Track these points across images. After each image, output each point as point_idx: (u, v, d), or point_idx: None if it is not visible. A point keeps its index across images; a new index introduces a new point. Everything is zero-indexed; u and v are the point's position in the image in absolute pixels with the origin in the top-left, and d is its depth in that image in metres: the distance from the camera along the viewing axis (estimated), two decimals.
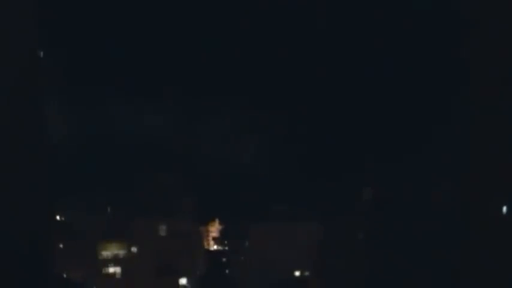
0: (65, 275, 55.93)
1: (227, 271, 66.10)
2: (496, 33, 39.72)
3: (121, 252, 61.42)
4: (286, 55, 58.02)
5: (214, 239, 69.89)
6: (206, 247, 67.59)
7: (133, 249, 61.65)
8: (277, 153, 60.53)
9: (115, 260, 61.32)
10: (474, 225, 42.77)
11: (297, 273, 63.34)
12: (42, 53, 41.48)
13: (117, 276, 61.44)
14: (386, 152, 54.47)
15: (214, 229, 70.22)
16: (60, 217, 60.04)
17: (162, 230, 62.05)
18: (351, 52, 56.99)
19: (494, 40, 39.96)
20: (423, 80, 53.11)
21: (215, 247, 68.52)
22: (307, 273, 62.66)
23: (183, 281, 62.39)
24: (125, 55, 57.51)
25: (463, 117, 44.11)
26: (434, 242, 49.54)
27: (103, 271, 61.13)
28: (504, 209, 41.07)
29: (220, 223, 72.37)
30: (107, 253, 61.26)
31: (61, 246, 58.16)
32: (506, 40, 39.36)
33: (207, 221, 67.29)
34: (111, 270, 61.42)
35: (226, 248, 68.30)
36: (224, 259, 67.43)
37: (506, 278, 40.55)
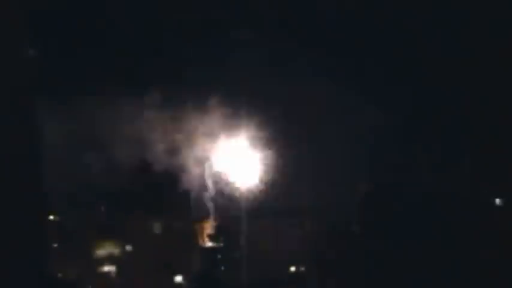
0: (59, 275, 55.64)
1: (222, 268, 65.87)
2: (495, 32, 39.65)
3: (116, 251, 61.14)
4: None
5: (209, 236, 69.63)
6: (201, 244, 67.29)
7: (128, 247, 61.37)
8: (273, 147, 60.27)
9: (110, 259, 61.04)
10: (470, 218, 42.60)
11: (293, 269, 63.17)
12: (33, 52, 41.14)
13: (112, 274, 61.15)
14: (384, 146, 54.29)
15: (209, 226, 69.95)
16: (53, 216, 59.69)
17: (157, 228, 61.77)
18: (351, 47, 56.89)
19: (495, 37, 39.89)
20: (423, 76, 52.98)
21: (210, 244, 68.26)
22: (303, 269, 62.50)
23: (178, 278, 62.16)
24: (116, 51, 57.10)
25: (459, 113, 44.01)
26: (430, 235, 49.39)
27: (98, 270, 60.83)
28: (497, 201, 41.01)
29: (214, 220, 72.19)
30: (101, 252, 60.97)
31: (55, 246, 57.85)
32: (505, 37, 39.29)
33: (202, 218, 66.93)
34: (106, 269, 61.15)
35: (221, 244, 68.05)
36: (219, 256, 67.20)
37: (503, 271, 40.39)
